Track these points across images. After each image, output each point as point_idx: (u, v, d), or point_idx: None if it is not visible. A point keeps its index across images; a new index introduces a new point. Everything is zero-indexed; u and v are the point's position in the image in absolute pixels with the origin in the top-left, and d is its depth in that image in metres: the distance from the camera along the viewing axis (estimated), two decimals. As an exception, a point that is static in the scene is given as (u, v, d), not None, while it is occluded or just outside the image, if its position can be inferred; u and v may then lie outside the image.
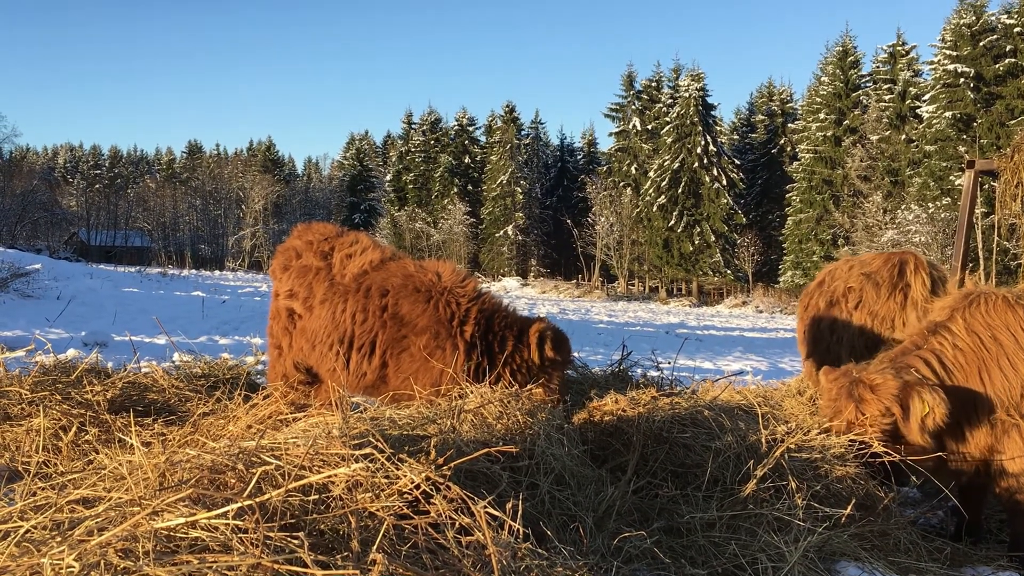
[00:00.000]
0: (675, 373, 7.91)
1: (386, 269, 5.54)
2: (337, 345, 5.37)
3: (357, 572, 2.11)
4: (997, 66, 48.33)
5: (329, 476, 2.79)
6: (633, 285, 73.67)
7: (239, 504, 2.50)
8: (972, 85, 48.96)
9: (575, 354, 7.57)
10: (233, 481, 2.91)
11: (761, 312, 53.22)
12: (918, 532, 4.67)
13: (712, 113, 69.03)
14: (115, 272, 41.93)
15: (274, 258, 6.24)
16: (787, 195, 65.54)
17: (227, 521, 2.47)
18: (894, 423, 4.54)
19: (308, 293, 5.68)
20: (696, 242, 66.18)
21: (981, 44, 48.89)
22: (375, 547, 2.36)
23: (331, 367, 5.43)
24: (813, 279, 7.76)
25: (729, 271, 65.96)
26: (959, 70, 49.25)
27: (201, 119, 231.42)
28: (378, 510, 2.84)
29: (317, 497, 2.89)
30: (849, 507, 4.10)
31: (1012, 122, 45.41)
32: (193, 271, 65.67)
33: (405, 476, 2.92)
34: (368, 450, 2.96)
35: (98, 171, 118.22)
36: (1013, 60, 47.79)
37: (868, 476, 4.50)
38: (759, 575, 3.60)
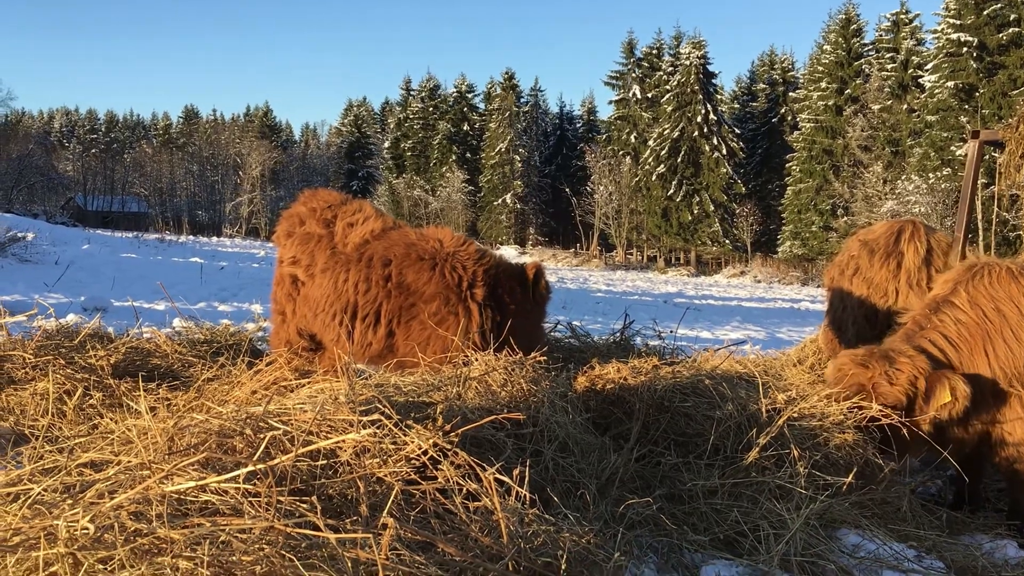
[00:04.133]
0: (675, 342, 7.94)
1: (387, 238, 5.57)
2: (340, 314, 5.39)
3: (369, 535, 2.13)
4: (1000, 35, 47.91)
5: (338, 442, 2.81)
6: (631, 254, 73.67)
7: (249, 468, 2.52)
8: (975, 54, 48.56)
9: (575, 323, 7.66)
10: (241, 446, 2.93)
11: (759, 282, 53.24)
12: (917, 500, 4.72)
13: (713, 81, 68.61)
14: (112, 237, 41.83)
15: (278, 224, 6.23)
16: (787, 165, 65.23)
17: (237, 485, 2.48)
18: (915, 395, 4.55)
19: (310, 261, 5.69)
20: (695, 211, 66.04)
21: (985, 13, 48.43)
22: (385, 511, 2.38)
23: (334, 336, 5.45)
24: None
25: (728, 241, 65.88)
26: (962, 39, 48.82)
27: (198, 84, 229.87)
28: (386, 475, 2.86)
29: (325, 462, 2.91)
30: (850, 476, 4.13)
31: (1015, 92, 45.15)
32: (190, 237, 65.40)
33: (413, 442, 2.93)
34: (376, 416, 2.98)
35: (94, 136, 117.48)
36: (1016, 29, 47.38)
37: (867, 444, 4.53)
38: (761, 542, 3.64)
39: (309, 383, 4.36)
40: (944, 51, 50.11)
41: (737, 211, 65.50)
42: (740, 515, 3.87)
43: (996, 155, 8.67)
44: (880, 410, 4.53)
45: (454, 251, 5.39)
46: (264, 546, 2.16)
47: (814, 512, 3.76)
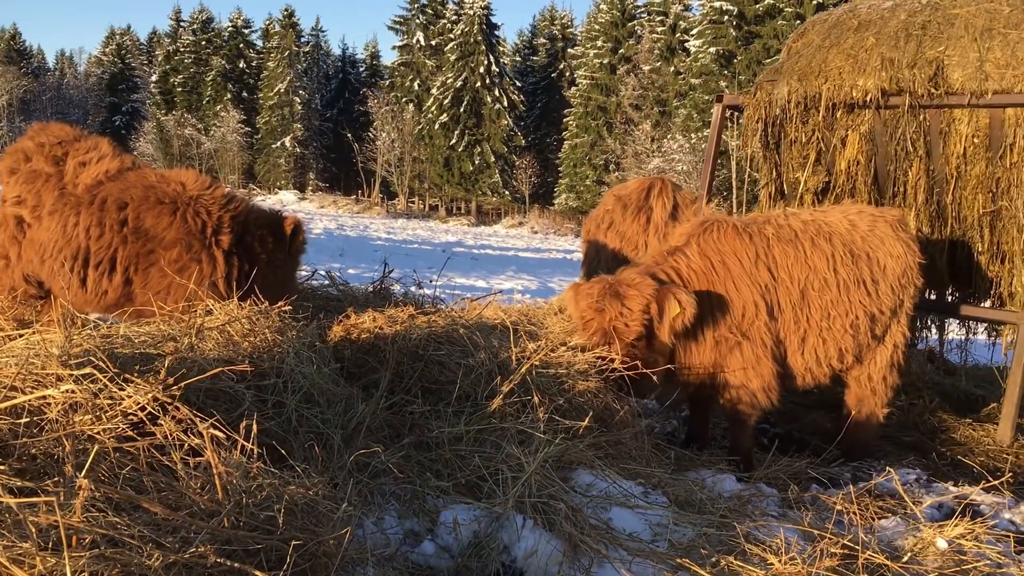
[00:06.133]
0: (445, 291, 8.01)
1: (124, 180, 5.18)
2: (70, 261, 4.98)
3: (53, 499, 1.98)
4: (757, 6, 51.46)
5: (40, 397, 2.59)
6: (413, 203, 73.52)
7: (-73, 430, 2.27)
8: (735, 23, 51.94)
9: (350, 270, 7.55)
10: (-72, 405, 2.64)
11: (536, 233, 54.86)
12: (651, 440, 5.05)
13: (496, 33, 69.14)
14: None
15: (1, 160, 5.65)
16: (564, 119, 67.25)
17: (-88, 449, 2.24)
18: (651, 321, 4.82)
19: (37, 201, 5.20)
20: (476, 162, 66.76)
21: (745, -16, 51.90)
22: (84, 471, 2.23)
23: (63, 284, 5.04)
24: (586, 202, 8.14)
25: (507, 192, 67.22)
26: (724, 8, 52.03)
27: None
28: (99, 433, 2.68)
29: (29, 420, 2.69)
30: (587, 419, 4.34)
31: (767, 61, 48.67)
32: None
33: (130, 397, 2.77)
34: (88, 370, 2.77)
35: None
36: (771, 2, 51.05)
37: (607, 390, 4.78)
38: (499, 485, 3.75)
39: (29, 334, 4.01)
40: (708, 18, 53.22)
41: (517, 163, 66.89)
42: (482, 460, 3.97)
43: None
44: (622, 358, 4.79)
45: (198, 195, 5.10)
46: (-70, 515, 1.96)
47: (551, 455, 3.91)
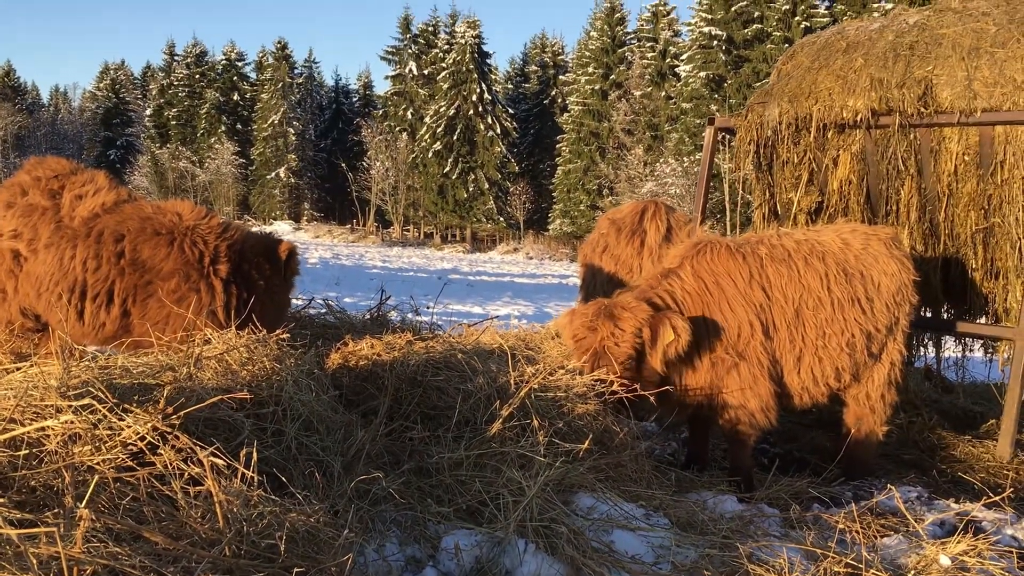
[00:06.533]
0: (441, 318, 8.02)
1: (120, 212, 5.20)
2: (67, 294, 4.99)
3: (54, 530, 1.97)
4: (746, 31, 51.95)
5: (39, 428, 2.59)
6: (408, 231, 73.68)
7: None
8: (724, 48, 52.40)
9: (346, 299, 7.56)
10: (-74, 439, 2.64)
11: (531, 259, 54.91)
12: (651, 462, 5.04)
13: (487, 61, 69.62)
14: None
15: None
16: (557, 145, 67.59)
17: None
18: (642, 345, 4.83)
19: (33, 235, 5.22)
20: (470, 189, 66.99)
21: (733, 8, 52.27)
22: (84, 502, 2.22)
23: (60, 316, 5.05)
24: (580, 227, 8.14)
25: (502, 218, 67.39)
26: (713, 32, 52.50)
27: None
28: (98, 463, 2.68)
29: (28, 452, 2.68)
30: (587, 442, 4.33)
31: (757, 84, 49.05)
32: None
33: (130, 427, 2.76)
34: (87, 400, 2.77)
35: None
36: (759, 26, 51.54)
37: (606, 412, 4.78)
38: (500, 509, 3.74)
39: (27, 367, 4.01)
40: (697, 43, 53.66)
41: (511, 189, 67.09)
42: (483, 485, 3.96)
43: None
44: (617, 380, 4.79)
45: (194, 225, 5.13)
46: (-69, 548, 1.95)
47: (551, 479, 3.91)
